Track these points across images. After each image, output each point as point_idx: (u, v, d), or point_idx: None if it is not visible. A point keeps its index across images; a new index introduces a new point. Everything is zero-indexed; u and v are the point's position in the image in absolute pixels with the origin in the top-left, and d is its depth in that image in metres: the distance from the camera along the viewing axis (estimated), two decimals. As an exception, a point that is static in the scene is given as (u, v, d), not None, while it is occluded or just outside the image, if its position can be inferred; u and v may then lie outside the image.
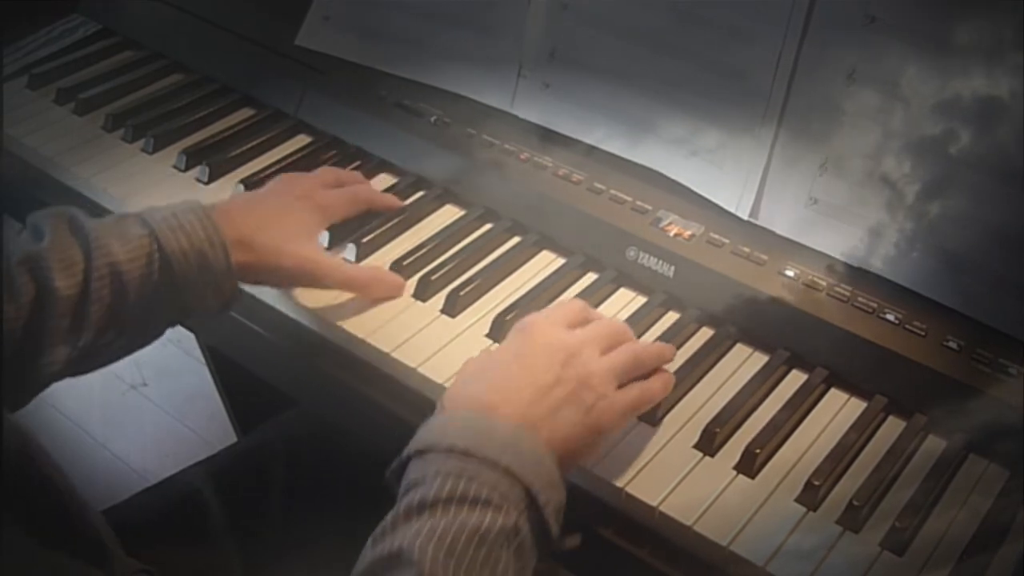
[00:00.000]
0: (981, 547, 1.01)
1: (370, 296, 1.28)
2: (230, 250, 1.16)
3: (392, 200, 1.40)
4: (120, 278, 1.11)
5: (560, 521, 0.98)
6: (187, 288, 1.15)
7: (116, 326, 1.13)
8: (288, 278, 1.26)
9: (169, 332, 1.22)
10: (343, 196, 1.34)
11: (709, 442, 1.11)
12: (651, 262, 1.29)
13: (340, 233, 1.35)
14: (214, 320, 1.24)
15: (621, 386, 1.08)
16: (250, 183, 1.44)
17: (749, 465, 1.09)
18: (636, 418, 1.13)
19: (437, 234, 1.37)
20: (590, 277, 1.32)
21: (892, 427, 1.15)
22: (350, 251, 1.33)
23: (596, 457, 1.08)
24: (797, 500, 1.06)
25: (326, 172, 1.38)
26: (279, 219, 1.24)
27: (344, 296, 1.27)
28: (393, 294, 1.28)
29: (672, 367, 1.19)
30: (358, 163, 1.49)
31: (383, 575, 0.89)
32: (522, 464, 0.95)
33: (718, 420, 1.13)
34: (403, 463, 0.98)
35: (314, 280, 1.25)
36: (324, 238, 1.34)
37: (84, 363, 1.14)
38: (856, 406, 1.17)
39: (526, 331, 1.09)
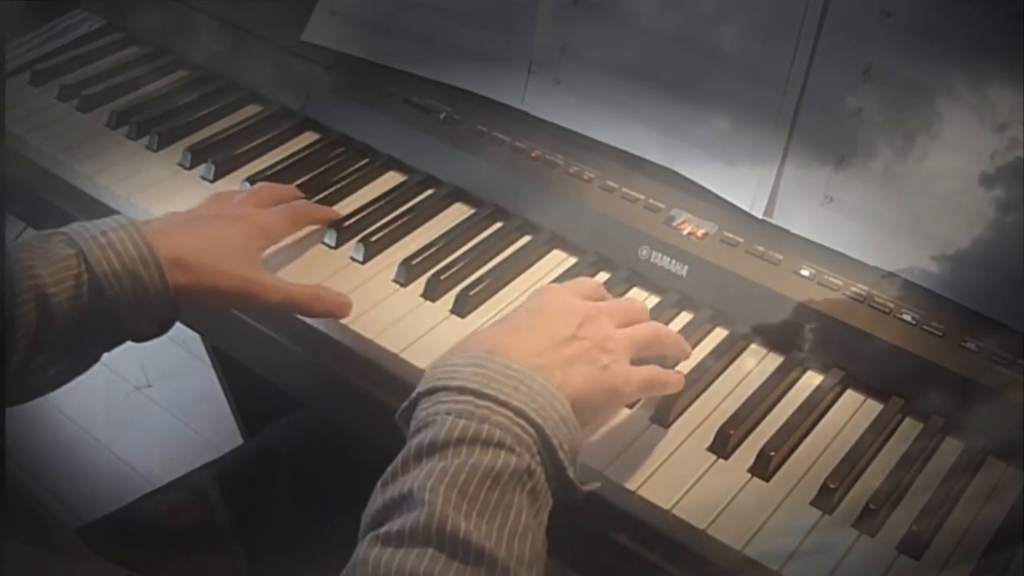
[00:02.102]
0: (999, 551, 1.01)
1: (312, 315, 1.26)
2: (166, 270, 1.14)
3: (332, 212, 1.38)
4: (46, 301, 1.08)
5: (576, 462, 0.98)
6: (120, 311, 1.13)
7: (45, 352, 1.10)
8: (228, 299, 1.22)
9: (174, 332, 1.22)
10: (282, 215, 1.30)
11: (723, 444, 1.11)
12: (664, 261, 1.29)
13: (347, 232, 1.36)
14: (216, 320, 1.22)
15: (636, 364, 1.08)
16: (256, 181, 1.44)
17: (764, 467, 1.09)
18: (648, 419, 1.14)
19: (446, 233, 1.38)
20: (602, 277, 1.32)
21: (909, 429, 1.15)
22: (358, 251, 1.34)
23: (606, 419, 1.10)
24: (812, 503, 1.06)
25: (261, 189, 1.35)
26: (218, 240, 1.21)
27: (350, 295, 1.27)
28: (337, 313, 1.25)
29: (686, 368, 1.20)
30: (365, 161, 1.49)
31: (393, 517, 0.89)
32: (535, 405, 0.95)
33: (732, 422, 1.13)
34: (413, 403, 0.98)
35: (255, 300, 1.22)
36: (331, 237, 1.35)
37: (16, 393, 1.11)
38: (872, 408, 1.17)
39: (543, 293, 1.11)
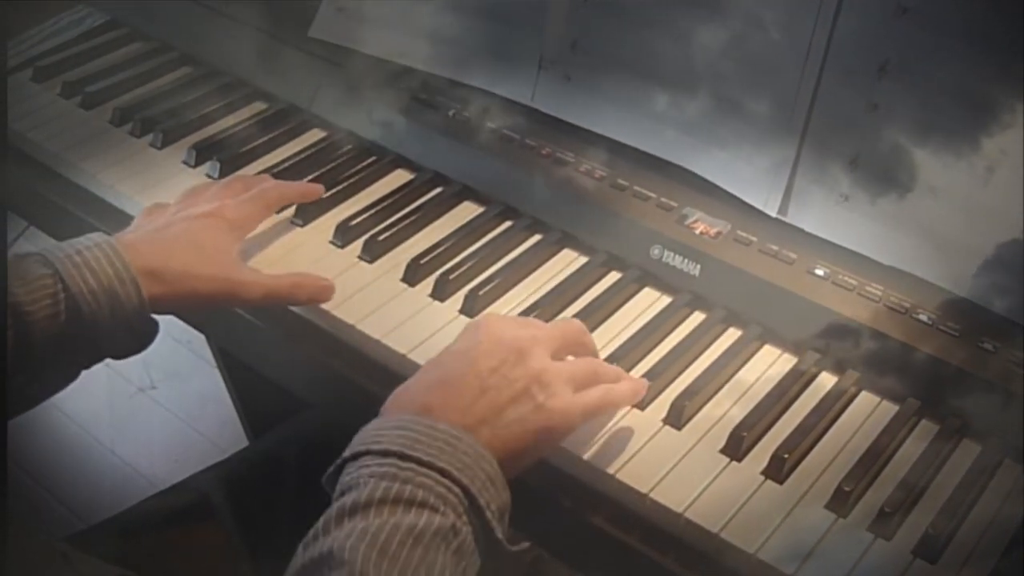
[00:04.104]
0: (1016, 554, 1.01)
1: (296, 303, 1.28)
2: (141, 285, 1.15)
3: (310, 188, 1.40)
4: (22, 320, 1.09)
5: (506, 523, 0.98)
6: (98, 329, 1.14)
7: (23, 371, 1.11)
8: (206, 303, 1.24)
9: (179, 333, 1.22)
10: (251, 203, 1.31)
11: (736, 447, 1.12)
12: (676, 261, 1.29)
13: (352, 232, 1.37)
14: (221, 320, 1.22)
15: (580, 389, 1.08)
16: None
17: (777, 470, 1.09)
18: (660, 421, 1.14)
19: (455, 232, 1.38)
20: (613, 276, 1.33)
21: (925, 431, 1.15)
22: (366, 250, 1.34)
23: (545, 452, 1.08)
24: (827, 506, 1.07)
25: (233, 181, 1.35)
26: (189, 242, 1.22)
27: (358, 295, 1.28)
28: (320, 298, 1.27)
29: (698, 369, 1.20)
30: (373, 159, 1.50)
31: None
32: (460, 466, 0.95)
33: (745, 424, 1.13)
34: (338, 468, 0.98)
35: (234, 300, 1.24)
36: (338, 236, 1.36)
37: None
38: (888, 409, 1.17)
39: (477, 327, 1.10)
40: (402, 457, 0.95)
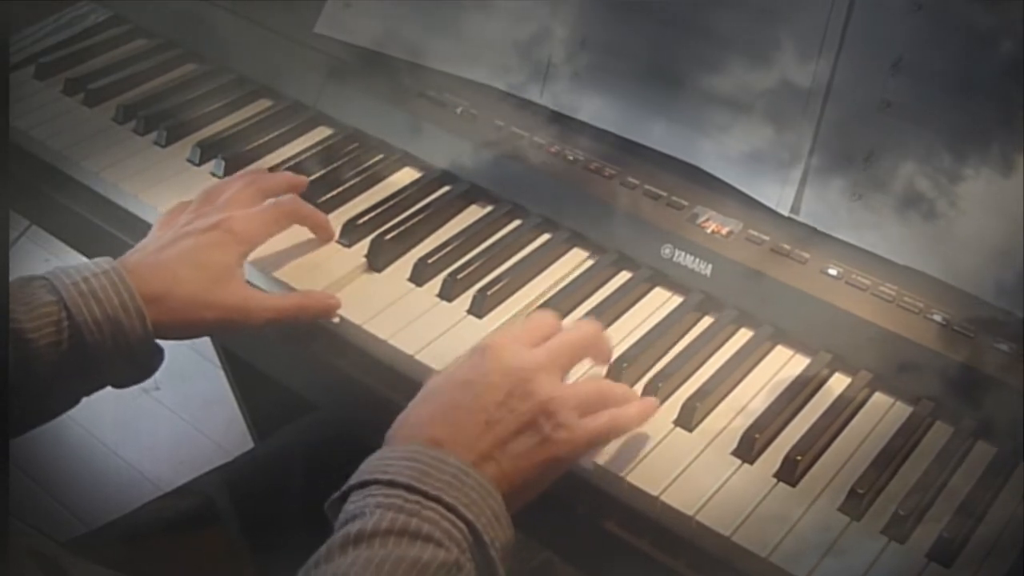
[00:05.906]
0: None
1: (302, 322, 1.28)
2: (147, 315, 1.15)
3: (323, 223, 1.37)
4: (24, 347, 1.09)
5: (508, 560, 0.98)
6: (101, 358, 1.14)
7: (21, 396, 1.11)
8: (212, 329, 1.25)
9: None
10: (261, 218, 1.28)
11: (748, 449, 1.12)
12: (687, 260, 1.29)
13: (359, 231, 1.37)
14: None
15: (587, 414, 1.07)
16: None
17: (790, 473, 1.09)
18: (671, 423, 1.14)
19: (463, 231, 1.38)
20: (623, 276, 1.33)
21: (939, 433, 1.15)
22: (372, 250, 1.34)
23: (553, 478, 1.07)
24: (840, 509, 1.07)
25: (250, 184, 1.33)
26: (192, 265, 1.21)
27: (363, 296, 1.28)
28: (326, 315, 1.27)
29: (709, 370, 1.20)
30: (380, 157, 1.50)
31: None
32: (467, 501, 0.95)
33: (757, 426, 1.13)
34: (343, 495, 0.98)
35: (241, 324, 1.24)
36: (345, 235, 1.36)
37: None
38: (902, 410, 1.17)
39: (483, 353, 1.08)
40: (409, 489, 0.94)
